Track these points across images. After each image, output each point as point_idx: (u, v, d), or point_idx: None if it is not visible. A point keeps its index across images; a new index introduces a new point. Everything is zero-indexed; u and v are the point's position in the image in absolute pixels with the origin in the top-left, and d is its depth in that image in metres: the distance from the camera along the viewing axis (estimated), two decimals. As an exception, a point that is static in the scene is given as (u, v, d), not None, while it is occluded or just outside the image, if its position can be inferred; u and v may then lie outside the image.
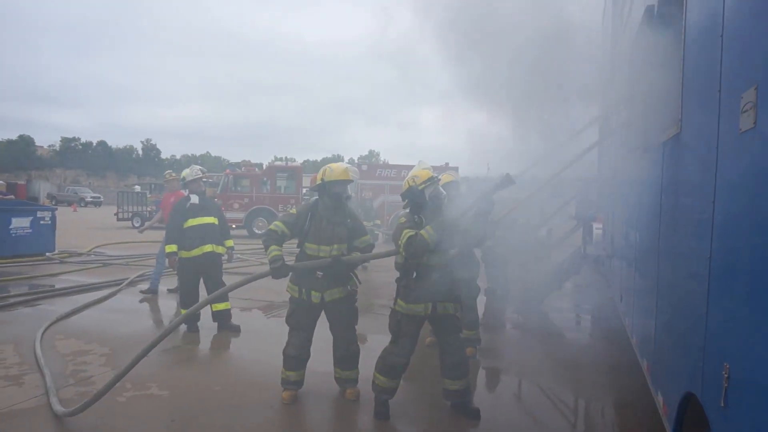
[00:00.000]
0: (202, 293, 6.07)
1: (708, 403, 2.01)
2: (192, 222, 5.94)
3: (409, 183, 3.98)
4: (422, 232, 3.66)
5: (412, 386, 4.62)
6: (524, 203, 6.76)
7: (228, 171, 20.18)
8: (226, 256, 6.34)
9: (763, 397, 1.54)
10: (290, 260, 4.10)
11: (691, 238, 2.50)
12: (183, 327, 5.87)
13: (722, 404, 1.80)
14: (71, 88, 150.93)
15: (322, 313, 4.22)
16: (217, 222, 6.18)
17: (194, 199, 6.03)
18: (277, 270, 3.97)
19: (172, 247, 5.91)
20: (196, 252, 5.91)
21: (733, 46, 1.93)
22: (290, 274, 4.13)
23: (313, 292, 4.05)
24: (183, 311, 5.94)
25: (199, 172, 6.23)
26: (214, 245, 6.04)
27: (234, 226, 18.15)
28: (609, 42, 7.86)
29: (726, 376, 1.79)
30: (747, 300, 1.73)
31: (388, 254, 4.34)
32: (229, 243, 6.32)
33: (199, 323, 6.03)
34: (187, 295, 5.99)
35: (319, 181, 4.19)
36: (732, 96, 1.86)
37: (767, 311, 1.55)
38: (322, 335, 4.41)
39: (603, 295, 8.45)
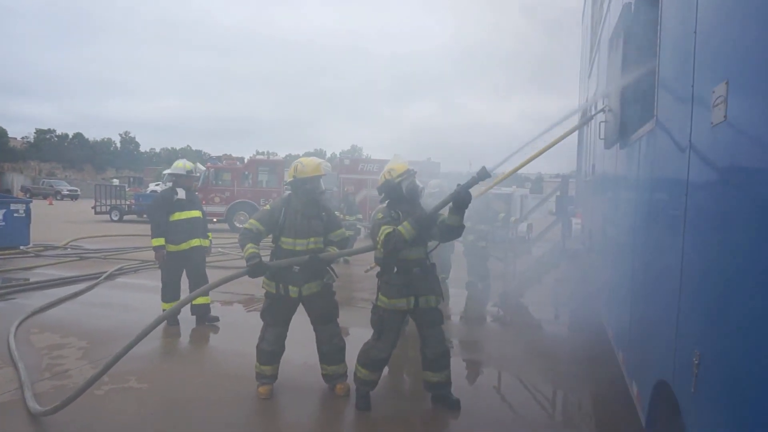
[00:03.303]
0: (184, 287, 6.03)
1: (679, 390, 2.07)
2: (179, 215, 5.86)
3: (385, 176, 4.00)
4: (400, 228, 3.69)
5: (393, 377, 4.66)
6: (496, 184, 6.87)
7: (209, 165, 19.95)
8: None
9: (730, 382, 1.60)
10: (266, 254, 4.09)
11: (664, 231, 2.57)
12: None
13: (693, 390, 1.86)
14: (44, 79, 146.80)
15: (299, 307, 4.21)
16: (201, 216, 6.14)
17: (181, 193, 5.95)
18: (255, 267, 3.93)
19: (159, 241, 5.78)
20: (183, 246, 5.85)
21: (705, 43, 1.99)
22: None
23: (290, 287, 4.03)
24: (164, 305, 5.89)
25: (192, 168, 6.10)
26: (201, 239, 6.03)
27: (215, 219, 17.99)
28: (587, 39, 7.97)
29: (696, 363, 1.85)
30: (718, 289, 1.79)
31: (365, 250, 4.35)
32: (209, 236, 6.30)
33: (178, 316, 5.97)
34: (168, 289, 5.92)
35: (290, 178, 4.16)
36: (704, 91, 1.91)
37: (737, 301, 1.61)
38: (300, 328, 4.41)
39: (581, 289, 8.60)
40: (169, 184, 6.13)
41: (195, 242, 5.94)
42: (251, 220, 4.09)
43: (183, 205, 5.91)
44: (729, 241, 1.69)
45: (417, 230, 3.70)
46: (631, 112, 3.60)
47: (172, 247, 5.83)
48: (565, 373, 5.03)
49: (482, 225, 8.97)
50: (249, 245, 3.98)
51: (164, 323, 5.83)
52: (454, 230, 3.78)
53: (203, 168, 6.05)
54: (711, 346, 1.79)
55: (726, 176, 1.75)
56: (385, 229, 3.72)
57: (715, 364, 1.74)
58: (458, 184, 3.67)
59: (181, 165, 6.10)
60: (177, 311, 4.88)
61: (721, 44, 1.82)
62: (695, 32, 2.08)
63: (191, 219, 5.95)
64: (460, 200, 3.63)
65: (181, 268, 5.94)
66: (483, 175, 3.70)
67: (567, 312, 8.35)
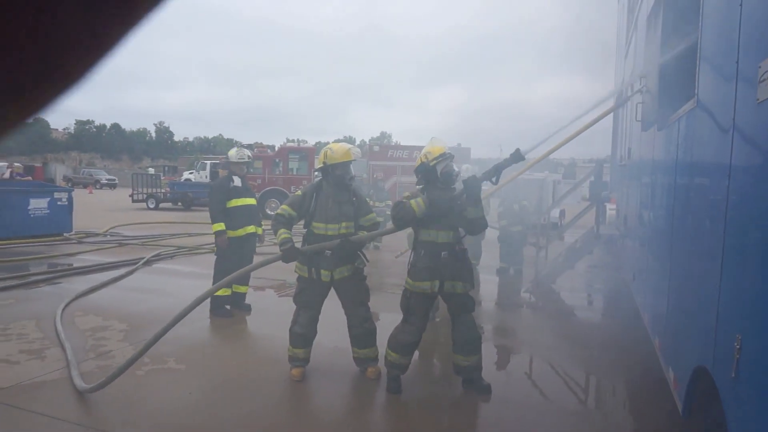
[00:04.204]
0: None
1: (719, 375, 2.02)
2: (236, 202, 5.95)
3: (421, 159, 4.04)
4: (412, 201, 3.77)
5: (424, 362, 4.69)
6: (527, 169, 6.78)
7: (251, 155, 20.24)
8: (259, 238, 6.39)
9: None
10: (298, 240, 4.15)
11: (705, 215, 2.49)
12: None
13: (733, 375, 1.81)
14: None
15: (331, 291, 4.26)
16: (255, 203, 6.24)
17: (237, 181, 6.02)
18: (288, 252, 4.00)
19: (220, 226, 5.85)
20: (240, 232, 5.93)
21: (752, 14, 1.90)
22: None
23: (322, 271, 4.08)
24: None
25: (245, 157, 6.16)
26: (256, 226, 6.11)
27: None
28: (624, 18, 7.71)
29: (738, 347, 1.79)
30: (760, 273, 1.73)
31: (394, 230, 4.36)
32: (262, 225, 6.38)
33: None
34: (222, 274, 5.98)
35: (321, 164, 4.22)
36: (750, 66, 1.83)
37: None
38: (331, 312, 4.47)
39: (615, 274, 8.43)
40: (203, 172, 6.24)
41: (251, 229, 6.02)
42: (283, 206, 4.15)
43: (239, 192, 6.00)
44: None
45: (427, 207, 3.75)
46: (670, 91, 3.48)
47: (230, 233, 5.92)
48: (598, 359, 4.96)
49: (516, 205, 8.89)
50: (282, 230, 4.05)
51: (210, 314, 5.90)
52: (474, 222, 3.84)
53: (247, 152, 5.99)
54: (753, 329, 1.74)
55: (772, 155, 1.68)
56: (398, 201, 3.84)
57: (757, 347, 1.69)
58: (495, 165, 3.69)
59: (233, 153, 6.21)
60: (211, 294, 4.85)
61: (768, 16, 1.74)
62: (741, 4, 1.99)
63: (247, 206, 6.04)
64: (469, 189, 3.72)
65: (236, 254, 6.00)
66: (517, 157, 3.68)
67: (600, 299, 8.21)
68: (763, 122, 1.73)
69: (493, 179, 3.77)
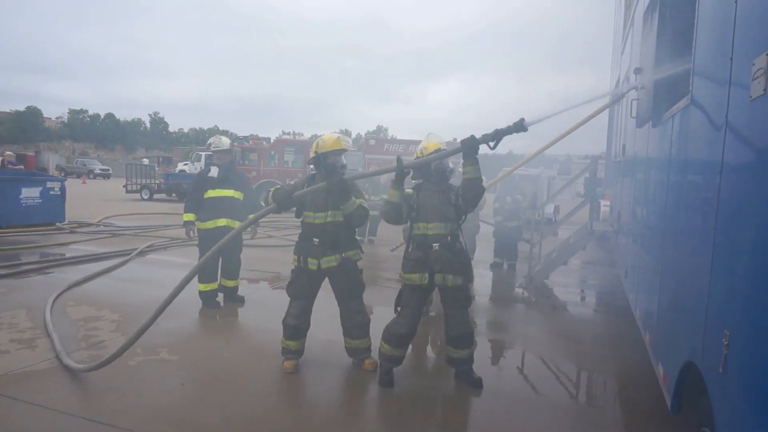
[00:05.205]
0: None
1: (707, 371, 2.04)
2: (210, 194, 5.85)
3: (417, 154, 4.10)
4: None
5: (418, 355, 4.70)
6: (522, 164, 6.77)
7: (236, 144, 20.18)
8: (249, 231, 6.23)
9: (760, 361, 1.56)
10: (295, 233, 4.16)
11: (696, 212, 2.50)
12: (199, 303, 5.89)
13: (721, 370, 1.83)
14: (76, 60, 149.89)
15: (326, 285, 4.26)
16: (239, 196, 5.96)
17: (213, 171, 5.91)
18: (281, 199, 4.02)
19: (188, 216, 5.83)
20: (209, 224, 5.82)
21: (747, 12, 1.90)
22: (295, 244, 4.23)
23: (309, 259, 4.11)
24: (200, 286, 5.87)
25: (222, 145, 5.98)
26: (230, 219, 5.83)
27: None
28: (621, 14, 7.72)
29: (726, 343, 1.81)
30: (749, 270, 1.74)
31: (387, 171, 4.30)
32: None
33: (216, 298, 6.03)
34: (200, 266, 5.92)
35: (313, 154, 4.25)
36: (743, 63, 1.84)
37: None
38: (325, 305, 4.47)
39: (608, 271, 8.48)
40: (198, 163, 6.19)
41: (221, 222, 5.81)
42: (277, 187, 4.27)
43: (214, 184, 5.87)
44: (763, 223, 1.64)
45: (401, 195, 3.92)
46: (665, 88, 3.49)
47: (199, 224, 5.88)
48: (589, 355, 4.99)
49: (509, 197, 8.94)
50: (272, 188, 4.19)
51: (201, 306, 5.87)
52: (472, 183, 3.74)
53: (228, 140, 5.75)
54: (741, 325, 1.75)
55: (763, 154, 1.69)
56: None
57: (745, 343, 1.70)
58: (496, 129, 3.61)
59: (210, 142, 6.14)
60: (194, 275, 4.62)
61: (763, 13, 1.74)
62: (735, 1, 1.99)
63: (220, 198, 5.85)
64: (467, 148, 3.66)
65: (210, 247, 5.90)
66: (519, 126, 3.57)
67: (593, 294, 8.26)
68: (755, 119, 1.74)
69: (491, 143, 3.64)
